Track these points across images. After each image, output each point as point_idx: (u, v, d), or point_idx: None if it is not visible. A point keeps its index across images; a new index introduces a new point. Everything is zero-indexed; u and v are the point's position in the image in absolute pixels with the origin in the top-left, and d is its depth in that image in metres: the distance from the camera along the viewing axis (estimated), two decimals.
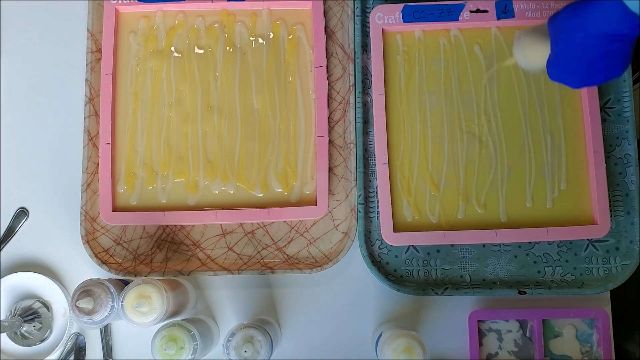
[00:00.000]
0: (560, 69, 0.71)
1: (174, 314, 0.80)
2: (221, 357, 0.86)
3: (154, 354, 0.74)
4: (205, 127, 0.89)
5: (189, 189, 0.88)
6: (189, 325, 0.76)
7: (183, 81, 0.90)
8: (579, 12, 0.67)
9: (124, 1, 0.91)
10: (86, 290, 0.74)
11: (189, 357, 0.74)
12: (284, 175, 0.89)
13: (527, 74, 0.89)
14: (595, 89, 0.87)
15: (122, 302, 0.74)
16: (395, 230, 0.86)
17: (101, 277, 0.78)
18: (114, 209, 0.88)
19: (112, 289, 0.75)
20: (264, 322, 0.81)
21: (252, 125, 0.89)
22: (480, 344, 0.85)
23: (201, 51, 0.91)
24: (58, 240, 0.90)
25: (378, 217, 0.87)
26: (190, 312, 0.87)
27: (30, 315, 0.85)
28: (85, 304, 0.73)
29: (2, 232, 0.90)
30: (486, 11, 0.89)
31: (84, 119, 0.89)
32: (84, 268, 0.89)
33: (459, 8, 0.89)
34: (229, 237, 0.89)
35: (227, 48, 0.91)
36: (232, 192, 0.88)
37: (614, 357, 0.85)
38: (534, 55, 0.75)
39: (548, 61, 0.73)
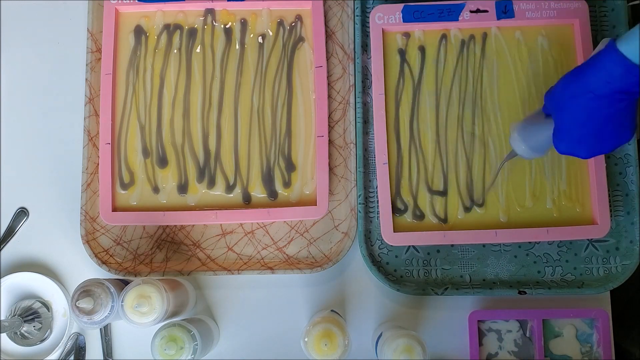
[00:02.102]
0: (569, 138, 0.71)
1: (174, 314, 0.80)
2: (222, 357, 0.86)
3: (154, 354, 0.74)
4: (205, 127, 0.89)
5: (188, 189, 0.88)
6: (189, 325, 0.76)
7: (183, 81, 0.90)
8: (581, 76, 0.68)
9: (124, 1, 0.91)
10: (86, 290, 0.74)
11: (189, 357, 0.75)
12: (284, 175, 0.88)
13: (527, 74, 0.89)
14: None
15: (122, 302, 0.74)
16: (395, 230, 0.86)
17: (101, 277, 0.78)
18: (114, 209, 0.88)
19: (112, 289, 0.75)
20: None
21: (252, 125, 0.89)
22: (480, 344, 0.85)
23: (201, 51, 0.91)
24: (58, 240, 0.90)
25: (378, 217, 0.87)
26: (190, 312, 0.87)
27: (30, 315, 0.85)
28: (85, 304, 0.73)
29: (2, 232, 0.90)
30: (486, 11, 0.89)
31: (84, 119, 0.89)
32: (84, 268, 0.89)
33: (459, 8, 0.89)
34: (229, 237, 0.89)
35: (227, 48, 0.91)
36: (232, 192, 0.88)
37: (614, 357, 0.85)
38: (537, 140, 0.75)
39: (554, 135, 0.72)
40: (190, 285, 0.87)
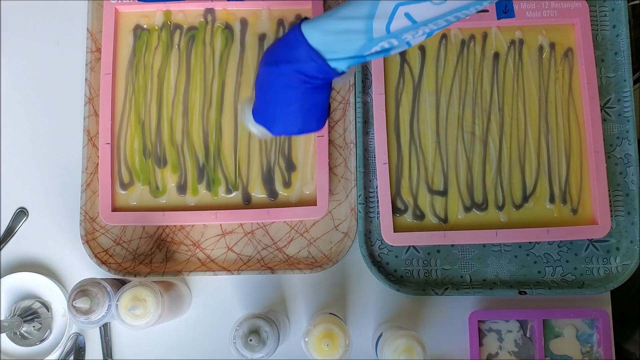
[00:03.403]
0: (258, 109, 0.69)
1: (169, 316, 0.80)
2: (222, 357, 0.86)
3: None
4: (205, 127, 0.89)
5: (188, 189, 0.88)
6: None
7: (183, 81, 0.90)
8: (274, 46, 0.66)
9: (124, 1, 0.90)
10: (83, 290, 0.74)
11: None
12: (284, 175, 0.88)
13: (527, 73, 0.89)
14: (595, 89, 0.87)
15: (117, 302, 0.74)
16: (395, 231, 0.86)
17: (100, 277, 0.78)
18: (114, 209, 0.88)
19: (109, 289, 0.75)
20: (272, 314, 0.81)
21: None
22: (481, 344, 0.85)
23: (201, 51, 0.91)
24: (57, 240, 0.90)
25: (378, 217, 0.87)
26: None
27: (30, 315, 0.85)
28: (82, 303, 0.73)
29: (2, 232, 0.90)
30: (486, 11, 0.89)
31: (84, 119, 0.89)
32: (84, 268, 0.88)
33: None
34: (228, 237, 0.89)
35: (227, 48, 0.91)
36: (232, 192, 0.88)
37: (614, 357, 0.85)
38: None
39: (253, 107, 0.70)
40: (187, 288, 0.86)
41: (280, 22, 0.91)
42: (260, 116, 0.69)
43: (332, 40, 0.62)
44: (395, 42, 0.62)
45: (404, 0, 0.58)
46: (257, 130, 0.71)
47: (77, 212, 0.88)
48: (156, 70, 0.90)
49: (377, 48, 0.62)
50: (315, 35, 0.62)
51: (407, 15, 0.59)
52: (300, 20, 0.64)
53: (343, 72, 0.65)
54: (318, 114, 0.68)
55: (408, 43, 0.63)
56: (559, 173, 0.88)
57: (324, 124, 0.69)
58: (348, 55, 0.62)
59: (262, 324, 0.74)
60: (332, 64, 0.63)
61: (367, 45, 0.61)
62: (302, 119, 0.67)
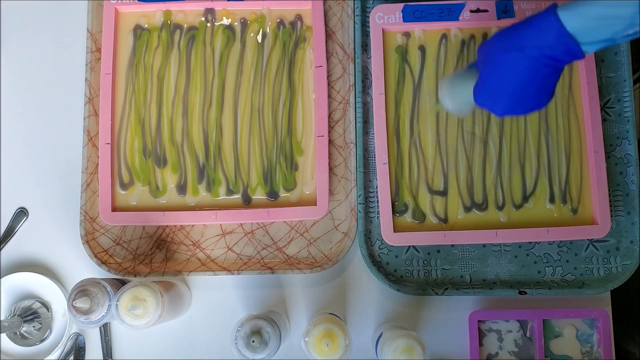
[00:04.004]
0: (489, 92, 0.70)
1: (169, 316, 0.80)
2: (222, 357, 0.86)
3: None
4: (205, 127, 0.89)
5: (188, 188, 0.88)
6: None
7: (183, 81, 0.90)
8: (516, 32, 0.67)
9: (124, 1, 0.90)
10: (83, 289, 0.74)
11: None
12: (284, 175, 0.88)
13: None
14: (595, 88, 0.87)
15: (117, 302, 0.74)
16: (395, 231, 0.86)
17: (100, 277, 0.78)
18: (114, 209, 0.88)
19: (109, 289, 0.75)
20: (273, 314, 0.81)
21: (252, 125, 0.89)
22: (481, 344, 0.85)
23: (201, 50, 0.91)
24: (58, 240, 0.90)
25: (378, 217, 0.87)
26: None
27: (30, 315, 0.85)
28: (82, 303, 0.73)
29: (2, 232, 0.90)
30: (486, 11, 0.89)
31: (84, 119, 0.89)
32: (84, 268, 0.88)
33: (459, 8, 0.89)
34: (228, 237, 0.89)
35: (227, 48, 0.91)
36: (232, 191, 0.88)
37: (614, 357, 0.85)
38: (461, 94, 0.74)
39: (475, 86, 0.71)
40: (187, 288, 0.86)
41: (281, 22, 0.91)
42: (487, 97, 0.70)
43: (592, 25, 0.62)
44: None
45: None
46: (452, 107, 0.76)
47: (77, 212, 0.88)
48: (156, 70, 0.90)
49: (630, 31, 0.62)
50: (574, 21, 0.62)
51: None
52: (552, 6, 0.64)
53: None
54: (549, 93, 0.68)
55: None
56: (559, 173, 0.88)
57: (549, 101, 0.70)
58: (601, 39, 0.63)
59: (264, 325, 0.74)
60: (585, 48, 0.64)
61: (623, 29, 0.62)
62: (534, 99, 0.68)
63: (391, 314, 0.87)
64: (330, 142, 0.89)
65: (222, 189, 0.88)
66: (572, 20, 0.63)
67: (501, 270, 0.87)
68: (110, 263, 0.87)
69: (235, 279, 0.88)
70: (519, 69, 0.67)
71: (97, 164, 0.88)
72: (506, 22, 0.89)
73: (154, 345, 0.87)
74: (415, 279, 0.87)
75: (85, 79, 0.90)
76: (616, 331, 0.85)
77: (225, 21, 0.91)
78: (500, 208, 0.87)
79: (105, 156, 0.88)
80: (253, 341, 0.74)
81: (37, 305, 0.86)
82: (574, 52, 0.64)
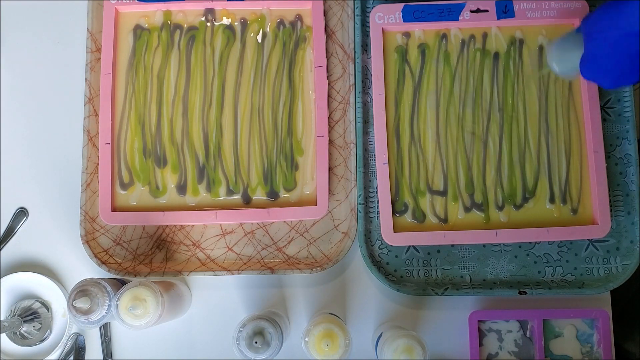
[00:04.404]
0: (594, 68, 0.71)
1: (169, 316, 0.80)
2: (222, 357, 0.86)
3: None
4: (205, 127, 0.89)
5: (188, 188, 0.88)
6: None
7: (183, 81, 0.90)
8: (613, 12, 0.68)
9: (124, 1, 0.90)
10: (83, 289, 0.74)
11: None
12: (285, 175, 0.88)
13: (527, 73, 0.89)
14: (595, 88, 0.87)
15: (117, 302, 0.74)
16: (395, 230, 0.86)
17: (100, 277, 0.78)
18: (114, 209, 0.88)
19: (109, 288, 0.75)
20: (274, 315, 0.81)
21: (252, 125, 0.89)
22: (481, 344, 0.85)
23: (201, 50, 0.91)
24: (58, 240, 0.90)
25: (378, 217, 0.87)
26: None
27: (30, 315, 0.85)
28: (82, 303, 0.73)
29: (2, 232, 0.90)
30: (486, 11, 0.89)
31: (84, 118, 0.89)
32: (84, 268, 0.88)
33: (459, 8, 0.89)
34: (228, 237, 0.89)
35: (227, 48, 0.91)
36: (232, 191, 0.88)
37: (614, 357, 0.85)
38: (568, 61, 0.76)
39: (581, 60, 0.73)
40: (187, 288, 0.86)
41: (281, 22, 0.91)
42: (593, 73, 0.71)
43: None
44: None
45: None
46: (560, 71, 0.78)
47: (77, 212, 0.88)
48: (156, 70, 0.90)
49: None
50: None
51: None
52: None
53: None
54: None
55: None
56: (559, 173, 0.88)
57: None
58: None
59: (266, 326, 0.74)
60: None
61: None
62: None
63: (391, 314, 0.87)
64: (330, 142, 0.89)
65: (222, 189, 0.88)
66: None
67: (501, 270, 0.87)
68: (110, 263, 0.87)
69: (235, 279, 0.88)
70: (620, 47, 0.67)
71: (97, 164, 0.88)
72: (506, 22, 0.89)
73: (154, 345, 0.87)
74: (415, 279, 0.87)
75: (85, 79, 0.90)
76: (616, 331, 0.86)
77: (225, 21, 0.91)
78: (500, 208, 0.87)
79: (105, 156, 0.88)
80: (256, 342, 0.74)
81: (37, 305, 0.86)
82: None
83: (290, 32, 0.91)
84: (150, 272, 0.86)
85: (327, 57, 0.91)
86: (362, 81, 0.90)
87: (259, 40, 0.91)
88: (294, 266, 0.86)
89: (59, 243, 0.90)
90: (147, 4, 0.91)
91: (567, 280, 0.87)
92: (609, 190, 0.87)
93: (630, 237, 0.87)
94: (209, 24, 0.91)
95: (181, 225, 0.89)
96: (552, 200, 0.87)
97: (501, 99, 0.89)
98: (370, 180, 0.88)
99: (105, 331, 0.87)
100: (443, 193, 0.87)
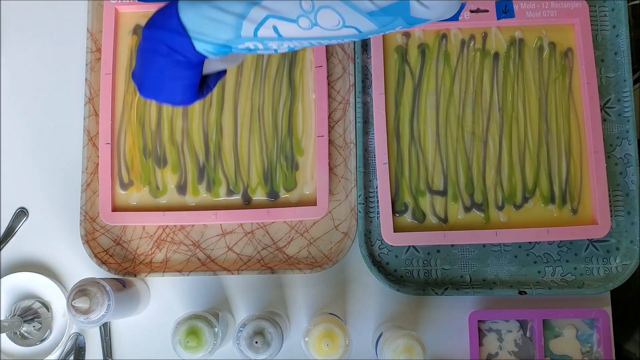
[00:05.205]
0: (134, 69, 0.69)
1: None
2: (222, 357, 0.86)
3: (176, 349, 0.75)
4: (205, 127, 0.89)
5: (188, 188, 0.88)
6: (209, 315, 0.76)
7: None
8: (154, 13, 0.66)
9: (124, 1, 0.90)
10: (82, 289, 0.74)
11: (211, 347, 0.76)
12: (285, 175, 0.88)
13: (527, 73, 0.89)
14: (595, 89, 0.87)
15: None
16: (395, 231, 0.86)
17: (100, 277, 0.78)
18: (114, 209, 0.88)
19: (108, 288, 0.76)
20: (274, 315, 0.81)
21: (252, 125, 0.89)
22: (481, 344, 0.85)
23: None
24: (58, 240, 0.90)
25: (378, 217, 0.87)
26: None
27: (30, 315, 0.85)
28: (81, 303, 0.73)
29: (2, 232, 0.90)
30: (486, 11, 0.89)
31: (84, 119, 0.89)
32: (84, 268, 0.88)
33: (459, 8, 0.89)
34: (228, 237, 0.89)
35: None
36: (232, 192, 0.88)
37: (614, 357, 0.85)
38: None
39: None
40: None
41: None
42: (134, 75, 0.69)
43: (203, 23, 0.63)
44: (260, 45, 0.64)
45: (275, 14, 0.61)
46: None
47: (77, 212, 0.88)
48: None
49: (242, 46, 0.64)
50: (190, 14, 0.63)
51: (275, 28, 0.62)
52: None
53: (209, 57, 0.65)
54: (183, 90, 0.67)
55: (275, 50, 0.65)
56: (559, 173, 0.88)
57: (191, 101, 0.69)
58: (216, 42, 0.63)
59: (267, 326, 0.74)
60: (198, 45, 0.63)
61: (234, 40, 0.63)
62: (165, 88, 0.67)
63: (391, 314, 0.87)
64: (330, 142, 0.89)
65: (222, 189, 0.88)
66: (188, 12, 0.63)
67: (501, 270, 0.87)
68: (110, 263, 0.87)
69: (235, 279, 0.88)
70: (145, 45, 0.66)
71: (97, 164, 0.88)
72: (506, 22, 0.89)
73: (154, 345, 0.87)
74: (415, 279, 0.87)
75: (85, 79, 0.90)
76: (616, 331, 0.85)
77: None
78: (500, 208, 0.87)
79: (105, 156, 0.88)
80: (256, 342, 0.74)
81: (37, 305, 0.86)
82: (185, 45, 0.63)
83: None
84: (150, 272, 0.86)
85: (327, 57, 0.91)
86: (362, 81, 0.90)
87: None
88: (294, 266, 0.86)
89: (59, 243, 0.90)
90: (147, 4, 0.91)
91: (567, 280, 0.87)
92: (609, 190, 0.87)
93: (630, 237, 0.87)
94: None
95: (181, 225, 0.89)
96: (552, 200, 0.87)
97: (501, 99, 0.89)
98: (370, 180, 0.88)
99: (105, 331, 0.87)
100: (443, 193, 0.87)
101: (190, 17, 0.63)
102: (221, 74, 0.71)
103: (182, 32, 0.63)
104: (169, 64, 0.65)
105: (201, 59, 0.65)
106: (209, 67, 0.69)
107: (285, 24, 0.61)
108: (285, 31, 0.62)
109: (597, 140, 0.87)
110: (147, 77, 0.67)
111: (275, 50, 0.65)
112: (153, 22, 0.65)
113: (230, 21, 0.62)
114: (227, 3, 0.62)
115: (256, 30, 0.62)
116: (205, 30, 0.63)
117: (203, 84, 0.70)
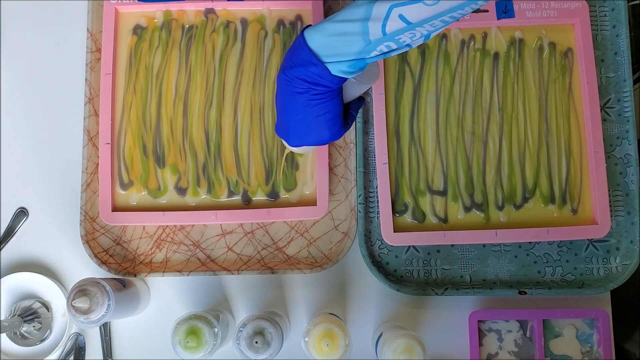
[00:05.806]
0: (277, 122, 0.70)
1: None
2: (221, 357, 0.86)
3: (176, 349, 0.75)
4: (206, 127, 0.89)
5: (188, 188, 0.88)
6: (208, 315, 0.76)
7: (183, 81, 0.90)
8: (285, 55, 0.67)
9: (124, 1, 0.90)
10: (82, 289, 0.74)
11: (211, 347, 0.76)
12: (283, 175, 0.88)
13: (527, 74, 0.89)
14: (595, 89, 0.87)
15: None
16: (395, 230, 0.86)
17: (100, 277, 0.78)
18: (114, 209, 0.88)
19: (108, 288, 0.76)
20: (274, 315, 0.81)
21: (252, 125, 0.89)
22: (481, 344, 0.85)
23: (201, 50, 0.91)
24: (58, 240, 0.90)
25: (378, 217, 0.87)
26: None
27: (30, 315, 0.85)
28: (81, 303, 0.73)
29: (2, 232, 0.90)
30: (486, 11, 0.89)
31: (84, 119, 0.89)
32: (84, 268, 0.88)
33: None
34: (229, 237, 0.89)
35: (227, 48, 0.91)
36: (232, 192, 0.88)
37: (614, 357, 0.85)
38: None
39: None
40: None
41: (281, 22, 0.91)
42: (278, 128, 0.70)
43: (331, 42, 0.62)
44: (393, 45, 0.62)
45: (397, 1, 0.59)
46: (298, 149, 0.74)
47: (77, 212, 0.88)
48: (156, 70, 0.90)
49: (376, 52, 0.63)
50: (316, 38, 0.63)
51: (401, 16, 0.60)
52: (305, 26, 0.66)
53: (346, 78, 0.65)
54: (330, 124, 0.68)
55: (408, 45, 0.63)
56: (559, 173, 0.88)
57: (339, 135, 0.70)
58: (349, 58, 0.63)
59: (267, 326, 0.74)
60: (332, 69, 0.63)
61: (366, 49, 0.62)
62: (312, 128, 0.68)
63: (391, 314, 0.87)
64: None
65: (222, 189, 0.88)
66: (314, 37, 0.63)
67: (501, 270, 0.87)
68: (110, 263, 0.87)
69: (235, 279, 0.88)
70: (283, 90, 0.67)
71: (97, 164, 0.88)
72: (506, 22, 0.89)
73: (154, 345, 0.87)
74: (415, 279, 0.87)
75: (85, 79, 0.90)
76: (616, 331, 0.86)
77: (226, 21, 0.91)
78: (500, 208, 0.87)
79: (105, 156, 0.88)
80: (256, 342, 0.74)
81: (37, 305, 0.86)
82: (321, 72, 0.63)
83: (291, 32, 0.91)
84: (150, 272, 0.86)
85: None
86: None
87: (260, 40, 0.91)
88: (294, 266, 0.86)
89: (59, 243, 0.90)
90: (147, 4, 0.91)
91: (567, 280, 0.87)
92: (608, 190, 0.87)
93: (630, 237, 0.87)
94: (209, 23, 0.91)
95: (181, 225, 0.89)
96: (552, 200, 0.87)
97: (501, 99, 0.89)
98: (370, 180, 0.88)
99: (105, 331, 0.87)
100: (443, 193, 0.87)
101: (317, 41, 0.63)
102: (361, 101, 0.72)
103: (315, 60, 0.63)
104: (310, 101, 0.65)
105: (339, 84, 0.65)
106: (348, 94, 0.69)
107: (411, 8, 0.59)
108: (412, 16, 0.60)
109: (597, 140, 0.87)
110: (292, 122, 0.67)
111: (409, 46, 0.63)
112: (286, 64, 0.65)
113: (356, 29, 0.61)
114: (348, 12, 0.62)
115: (384, 26, 0.60)
116: (336, 48, 0.62)
117: (346, 113, 0.69)
